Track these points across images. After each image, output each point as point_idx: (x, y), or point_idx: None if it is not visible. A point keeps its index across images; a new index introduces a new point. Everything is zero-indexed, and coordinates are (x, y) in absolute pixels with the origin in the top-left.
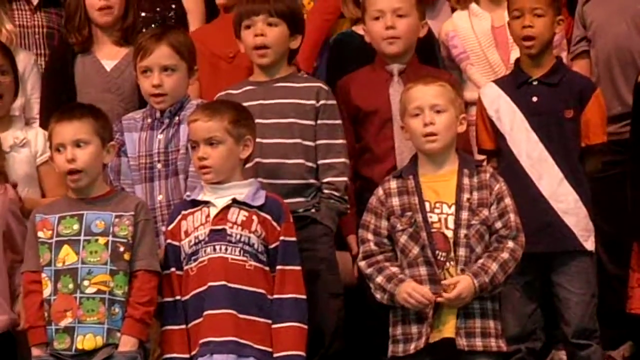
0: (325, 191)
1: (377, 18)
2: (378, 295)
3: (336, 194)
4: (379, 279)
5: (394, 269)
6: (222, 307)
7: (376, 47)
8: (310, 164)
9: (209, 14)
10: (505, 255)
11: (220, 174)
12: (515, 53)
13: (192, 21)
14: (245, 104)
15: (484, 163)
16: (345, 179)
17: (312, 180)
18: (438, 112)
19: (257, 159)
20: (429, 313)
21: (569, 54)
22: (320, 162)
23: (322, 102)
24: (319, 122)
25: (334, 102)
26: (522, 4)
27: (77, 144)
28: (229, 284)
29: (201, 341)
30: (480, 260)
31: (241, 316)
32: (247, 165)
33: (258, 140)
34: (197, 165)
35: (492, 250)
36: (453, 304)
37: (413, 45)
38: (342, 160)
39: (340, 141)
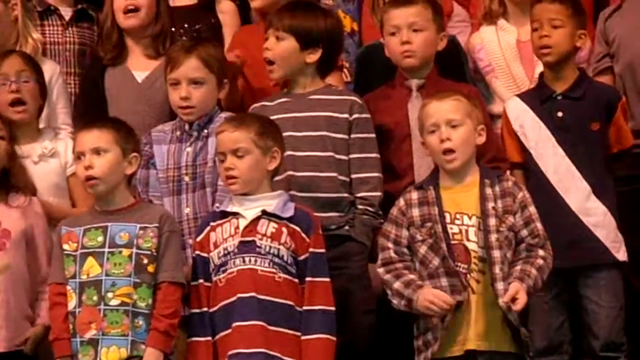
0: (360, 206)
1: (393, 33)
2: (395, 301)
3: (370, 209)
4: (397, 285)
5: (412, 276)
6: (251, 318)
7: (394, 62)
8: (343, 177)
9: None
10: (540, 261)
11: (246, 185)
12: (540, 68)
13: (227, 35)
14: (279, 116)
15: (506, 173)
16: (379, 193)
17: (345, 195)
18: (454, 127)
19: (290, 172)
20: (448, 318)
21: (592, 70)
22: (353, 176)
23: (355, 115)
24: (352, 135)
25: (367, 115)
26: (541, 15)
27: (96, 152)
28: (259, 296)
29: (230, 352)
30: (519, 267)
31: (270, 328)
32: (279, 178)
33: (291, 153)
34: (223, 175)
35: (525, 257)
36: (518, 310)
37: (431, 59)
38: (376, 174)
39: (374, 155)
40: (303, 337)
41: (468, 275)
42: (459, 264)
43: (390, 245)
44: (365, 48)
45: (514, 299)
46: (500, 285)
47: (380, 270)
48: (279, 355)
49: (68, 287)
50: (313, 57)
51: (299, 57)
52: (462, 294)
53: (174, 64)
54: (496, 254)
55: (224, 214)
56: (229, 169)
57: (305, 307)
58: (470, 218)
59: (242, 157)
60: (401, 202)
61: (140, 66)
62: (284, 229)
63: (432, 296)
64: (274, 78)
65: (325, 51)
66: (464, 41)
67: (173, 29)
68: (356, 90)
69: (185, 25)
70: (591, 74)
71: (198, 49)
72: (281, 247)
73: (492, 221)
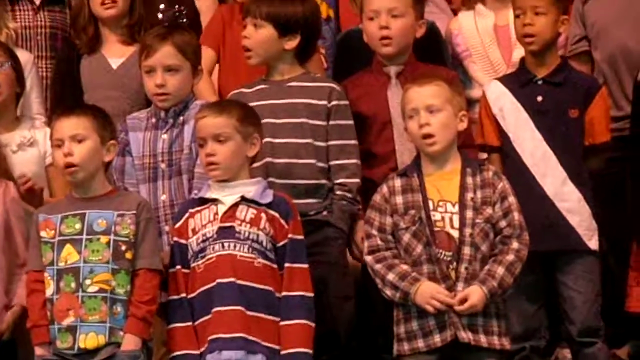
0: (338, 192)
1: (371, 18)
2: (389, 293)
3: (349, 195)
4: (391, 277)
5: (405, 267)
6: (231, 303)
7: (372, 47)
8: (321, 164)
9: None
10: (510, 257)
11: (227, 171)
12: (517, 52)
13: (205, 23)
14: (257, 103)
15: (486, 161)
16: (357, 180)
17: (323, 181)
18: (432, 112)
19: (268, 159)
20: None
21: (568, 52)
22: (332, 162)
23: (334, 102)
24: (331, 122)
25: (346, 102)
26: (523, 2)
27: (75, 139)
28: (238, 281)
29: (210, 337)
30: (486, 267)
31: (250, 313)
32: (257, 165)
33: (269, 139)
34: (204, 161)
35: (497, 254)
36: (465, 312)
37: (409, 45)
38: (354, 161)
39: (353, 142)
40: (282, 323)
41: (452, 263)
42: (442, 251)
43: (374, 232)
44: (344, 34)
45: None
46: (460, 286)
47: (369, 258)
48: (258, 340)
49: (46, 274)
50: (291, 43)
51: (278, 44)
52: (442, 282)
53: (149, 51)
54: (465, 250)
55: (203, 201)
56: (210, 155)
57: (284, 293)
58: (453, 206)
59: (224, 143)
60: (384, 189)
61: (115, 53)
62: (263, 215)
63: (433, 292)
64: (251, 64)
65: (304, 38)
66: (441, 28)
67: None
68: (335, 77)
69: (162, 6)
70: (566, 55)
71: (173, 35)
72: (260, 233)
73: (469, 214)
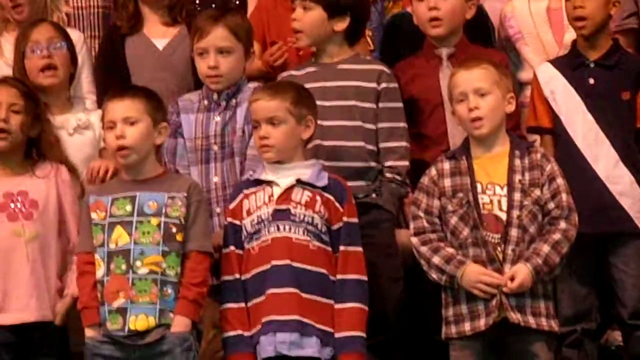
0: (387, 175)
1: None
2: (435, 276)
3: (398, 178)
4: (436, 260)
5: (450, 250)
6: (286, 286)
7: (422, 29)
8: (370, 146)
9: None
10: (556, 236)
11: (280, 154)
12: (569, 35)
13: (252, 5)
14: (307, 86)
15: (536, 143)
16: (406, 163)
17: (372, 164)
18: (482, 95)
19: (317, 141)
20: (493, 299)
21: (617, 27)
22: (381, 145)
23: (383, 85)
24: (380, 105)
25: (395, 85)
26: None
27: (128, 121)
28: (293, 264)
29: (264, 319)
30: (533, 245)
31: (304, 295)
32: (308, 147)
33: (319, 122)
34: (258, 144)
35: (544, 233)
36: (514, 291)
37: (459, 26)
38: (404, 144)
39: (402, 124)
40: (336, 306)
41: (500, 246)
42: (490, 233)
43: (421, 214)
44: (392, 17)
45: (513, 279)
46: (507, 268)
47: (414, 240)
48: (312, 322)
49: (96, 256)
50: (341, 25)
51: (327, 26)
52: (489, 265)
53: (202, 33)
54: (513, 232)
55: (257, 182)
56: (264, 138)
57: (338, 276)
58: (502, 188)
59: (278, 126)
60: (433, 171)
61: (157, 33)
62: (318, 198)
63: (479, 275)
64: (300, 46)
65: (353, 19)
66: (496, 10)
67: None
68: (382, 59)
69: None
70: (613, 31)
71: (225, 17)
72: (315, 216)
73: (517, 196)
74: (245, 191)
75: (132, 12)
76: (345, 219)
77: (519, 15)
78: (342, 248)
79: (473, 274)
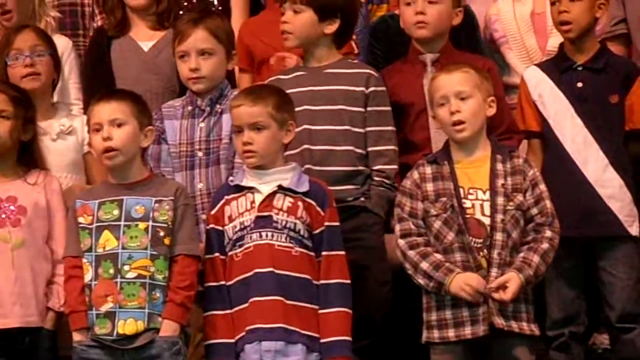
0: (376, 178)
1: (408, 4)
2: (422, 281)
3: (387, 181)
4: (424, 265)
5: (439, 256)
6: (269, 293)
7: (407, 32)
8: (359, 150)
9: (253, 3)
10: (545, 245)
11: (263, 159)
12: (553, 40)
13: (234, 7)
14: (295, 90)
15: (517, 148)
16: (395, 166)
17: (361, 168)
18: (463, 99)
19: (306, 146)
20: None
21: (607, 33)
22: (370, 149)
23: (371, 88)
24: (368, 109)
25: (383, 88)
26: None
27: (114, 123)
28: (276, 271)
29: (248, 328)
30: (522, 255)
31: (288, 302)
32: (295, 152)
33: (307, 126)
34: (241, 150)
35: (531, 241)
36: (505, 301)
37: (445, 32)
38: (392, 147)
39: (390, 128)
40: (321, 311)
41: (483, 250)
42: (472, 238)
43: (406, 216)
44: (379, 18)
45: (504, 287)
46: (494, 272)
47: (402, 242)
48: (297, 329)
49: (84, 260)
50: (331, 28)
51: (318, 29)
52: (476, 270)
53: (182, 36)
54: (498, 236)
55: (239, 188)
56: (247, 144)
57: (322, 281)
58: (484, 192)
59: (261, 131)
60: (415, 174)
61: (144, 36)
62: (300, 203)
63: (469, 282)
64: (288, 46)
65: (343, 22)
66: (483, 11)
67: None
68: (368, 62)
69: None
70: (602, 37)
71: (205, 20)
72: (297, 222)
73: (500, 200)
74: (227, 197)
75: (119, 19)
76: (327, 223)
77: (504, 19)
78: (324, 253)
79: (463, 280)
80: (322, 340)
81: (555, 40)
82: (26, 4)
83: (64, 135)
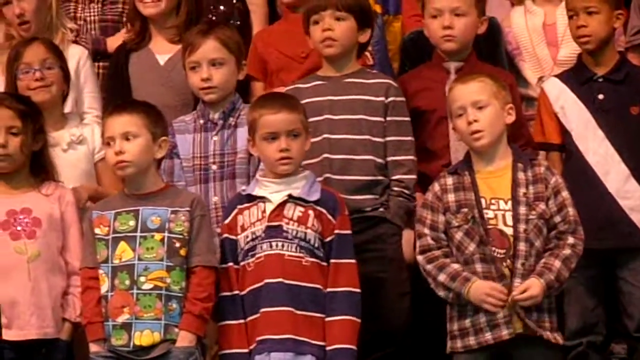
0: (395, 189)
1: (435, 16)
2: (442, 293)
3: (406, 191)
4: (442, 278)
5: (456, 266)
6: (279, 304)
7: (433, 43)
8: (379, 160)
9: (271, 14)
10: (567, 251)
11: (297, 166)
12: (564, 50)
13: (255, 20)
14: (314, 99)
15: (539, 157)
16: (414, 176)
17: (380, 177)
18: (480, 108)
19: (325, 155)
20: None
21: (626, 43)
22: (389, 159)
23: (391, 98)
24: (388, 118)
25: (403, 99)
26: (575, 4)
27: (126, 137)
28: (286, 281)
29: (258, 338)
30: (543, 260)
31: (298, 312)
32: (314, 160)
33: (327, 136)
34: (278, 157)
35: (553, 248)
36: (528, 305)
37: (470, 42)
38: (411, 157)
39: (409, 138)
40: (327, 319)
41: (506, 261)
42: (495, 249)
43: (426, 231)
44: (411, 34)
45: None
46: (517, 282)
47: (420, 258)
48: (307, 339)
49: (100, 271)
50: (365, 37)
51: (355, 37)
52: (499, 281)
53: (193, 47)
54: (521, 246)
55: (251, 198)
56: (286, 150)
57: (329, 289)
58: (506, 203)
59: (297, 138)
60: (436, 187)
61: (163, 49)
62: (311, 212)
63: (487, 289)
64: (330, 53)
65: (372, 31)
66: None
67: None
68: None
69: (211, 7)
70: (623, 48)
71: (215, 30)
72: (308, 231)
73: (522, 209)
74: (240, 206)
75: (138, 30)
76: (337, 231)
77: (516, 31)
78: (332, 260)
79: (481, 289)
80: (327, 348)
81: (565, 50)
82: (44, 15)
83: (74, 145)
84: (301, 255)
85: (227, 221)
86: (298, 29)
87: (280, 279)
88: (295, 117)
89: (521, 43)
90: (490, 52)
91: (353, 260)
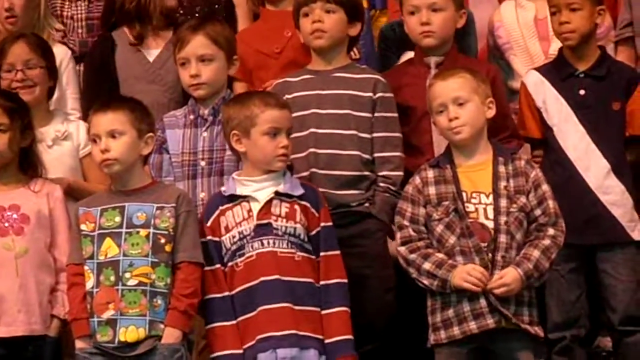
0: (382, 184)
1: (412, 12)
2: (426, 282)
3: (392, 188)
4: (427, 266)
5: (440, 255)
6: (278, 301)
7: (413, 40)
8: (365, 156)
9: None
10: (546, 242)
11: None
12: (555, 44)
13: (240, 14)
14: (302, 93)
15: (521, 150)
16: (401, 173)
17: (367, 173)
18: (461, 104)
19: (311, 149)
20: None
21: (616, 37)
22: (376, 155)
23: (379, 94)
24: (375, 114)
25: (391, 94)
26: (557, 0)
27: (112, 134)
28: (283, 277)
29: (260, 336)
30: (522, 251)
31: (297, 308)
32: (300, 155)
33: (314, 130)
34: (280, 152)
35: (532, 239)
36: (502, 294)
37: (450, 37)
38: (399, 154)
39: (397, 134)
40: (324, 312)
41: (488, 254)
42: (476, 241)
43: (407, 223)
44: (387, 26)
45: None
46: (497, 274)
47: (402, 249)
48: (308, 334)
49: (86, 268)
50: (355, 30)
51: (345, 30)
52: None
53: (182, 43)
54: (502, 239)
55: (232, 197)
56: (287, 147)
57: (322, 282)
58: (487, 196)
59: (290, 136)
60: (417, 180)
61: (149, 44)
62: (297, 207)
63: (470, 269)
64: (319, 45)
65: (362, 25)
66: (486, 17)
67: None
68: (382, 67)
69: (200, 5)
70: (613, 40)
71: (205, 26)
72: (297, 226)
73: (503, 202)
74: (221, 207)
75: (137, 33)
76: (322, 223)
77: (507, 25)
78: (322, 253)
79: (463, 270)
80: (326, 341)
81: (557, 44)
82: (32, 12)
83: (59, 141)
84: (293, 250)
85: (209, 223)
86: (272, 25)
87: (276, 276)
88: (291, 116)
89: (512, 37)
90: (460, 42)
91: (338, 252)
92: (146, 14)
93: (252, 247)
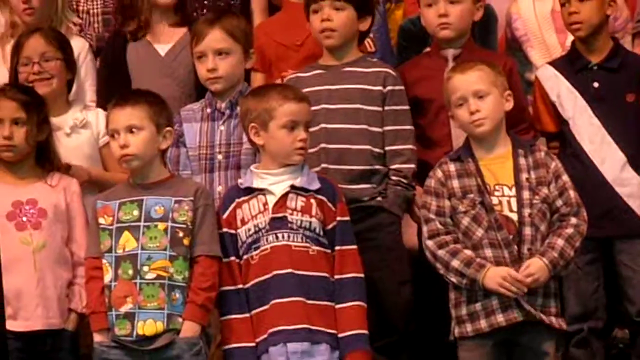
0: (393, 178)
1: (430, 5)
2: (454, 279)
3: (404, 181)
4: (455, 263)
5: (469, 252)
6: (290, 294)
7: (430, 32)
8: (377, 149)
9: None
10: (569, 230)
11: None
12: (571, 37)
13: (255, 8)
14: (312, 89)
15: (537, 142)
16: (413, 165)
17: (378, 167)
18: (481, 97)
19: (322, 145)
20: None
21: (633, 29)
22: (387, 148)
23: (389, 87)
24: (386, 108)
25: (401, 87)
26: None
27: (130, 130)
28: (296, 271)
29: (272, 330)
30: (546, 240)
31: (309, 302)
32: (311, 150)
33: (324, 125)
34: (298, 146)
35: (555, 229)
36: (530, 286)
37: (467, 29)
38: (410, 146)
39: (408, 127)
40: (337, 306)
41: (513, 246)
42: (502, 234)
43: (433, 216)
44: (408, 20)
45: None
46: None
47: (430, 243)
48: (321, 328)
49: (104, 261)
50: (365, 25)
51: (355, 27)
52: (511, 265)
53: (199, 37)
54: (527, 231)
55: (249, 190)
56: (305, 140)
57: (336, 276)
58: (510, 189)
59: (308, 130)
60: (439, 173)
61: (160, 39)
62: (312, 201)
63: (504, 274)
64: (329, 44)
65: (373, 19)
66: (503, 9)
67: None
68: (400, 63)
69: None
70: (631, 33)
71: (222, 20)
72: (313, 220)
73: (526, 194)
74: (238, 200)
75: (144, 21)
76: (338, 218)
77: (525, 17)
78: (337, 248)
79: (497, 274)
80: (339, 335)
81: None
82: (50, 5)
83: (77, 129)
84: (307, 244)
85: (225, 215)
86: (294, 17)
87: (289, 270)
88: (309, 109)
89: (529, 30)
90: (482, 39)
91: (355, 247)
92: (139, 9)
93: (267, 240)
